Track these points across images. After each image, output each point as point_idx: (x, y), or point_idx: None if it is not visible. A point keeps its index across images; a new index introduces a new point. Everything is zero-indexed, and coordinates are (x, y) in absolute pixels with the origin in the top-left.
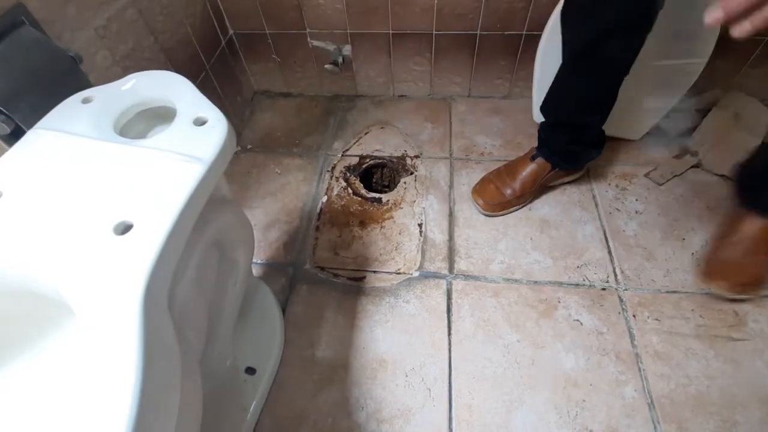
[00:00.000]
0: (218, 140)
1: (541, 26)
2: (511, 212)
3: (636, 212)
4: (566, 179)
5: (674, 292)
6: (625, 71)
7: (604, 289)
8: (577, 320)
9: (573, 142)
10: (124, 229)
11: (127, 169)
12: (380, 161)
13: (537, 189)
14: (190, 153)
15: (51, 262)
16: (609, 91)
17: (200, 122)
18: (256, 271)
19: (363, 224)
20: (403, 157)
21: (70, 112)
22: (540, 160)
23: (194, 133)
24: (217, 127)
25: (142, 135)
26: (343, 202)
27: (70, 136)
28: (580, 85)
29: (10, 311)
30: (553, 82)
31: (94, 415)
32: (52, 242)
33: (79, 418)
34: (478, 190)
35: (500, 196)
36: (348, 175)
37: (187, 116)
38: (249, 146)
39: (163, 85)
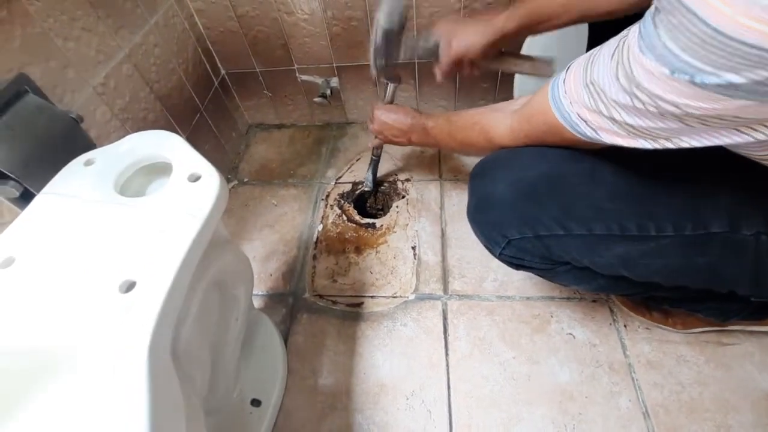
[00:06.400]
0: (212, 195)
1: (518, 48)
2: None
3: None
4: None
5: None
6: None
7: (594, 301)
8: (570, 334)
9: None
10: (129, 286)
11: (129, 228)
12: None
13: None
14: (187, 209)
15: (64, 321)
16: None
17: (194, 178)
18: (257, 302)
19: (358, 250)
20: (394, 181)
21: (73, 175)
22: None
23: (189, 189)
24: (210, 182)
25: (141, 190)
26: (338, 230)
27: (74, 200)
28: None
29: (16, 368)
30: None
31: None
32: (64, 303)
33: None
34: None
35: None
36: (342, 202)
37: (182, 173)
38: (246, 179)
39: (159, 144)
